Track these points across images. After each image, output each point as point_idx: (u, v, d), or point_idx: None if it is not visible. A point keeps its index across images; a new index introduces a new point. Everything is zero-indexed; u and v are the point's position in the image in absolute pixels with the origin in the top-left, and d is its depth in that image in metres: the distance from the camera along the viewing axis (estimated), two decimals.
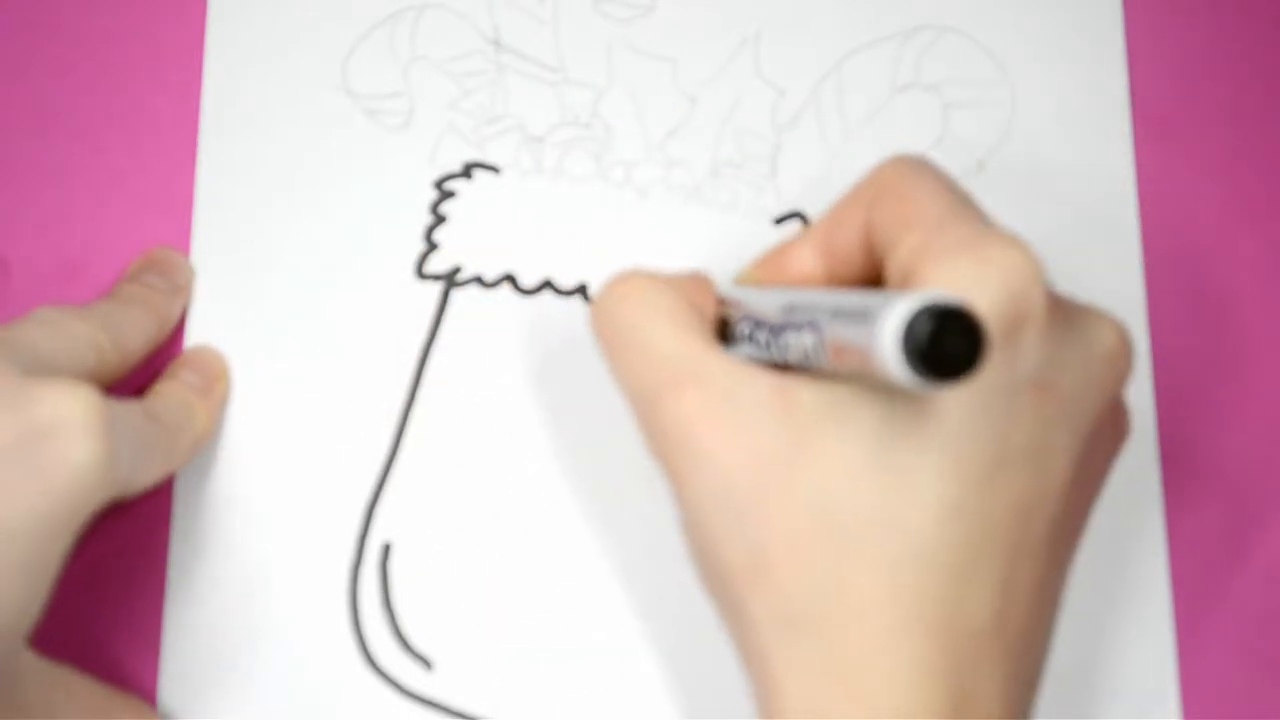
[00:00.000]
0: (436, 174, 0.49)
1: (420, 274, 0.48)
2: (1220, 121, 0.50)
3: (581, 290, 0.48)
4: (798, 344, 0.37)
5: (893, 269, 0.38)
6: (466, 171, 0.49)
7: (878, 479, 0.37)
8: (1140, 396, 0.48)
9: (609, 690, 0.46)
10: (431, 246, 0.48)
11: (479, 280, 0.48)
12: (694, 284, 0.42)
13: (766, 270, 0.42)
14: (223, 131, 0.49)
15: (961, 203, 0.39)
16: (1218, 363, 0.48)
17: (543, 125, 0.49)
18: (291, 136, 0.49)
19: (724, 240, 0.48)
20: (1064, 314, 0.38)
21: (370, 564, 0.46)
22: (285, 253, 0.48)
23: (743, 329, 0.40)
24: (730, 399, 0.38)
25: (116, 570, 0.46)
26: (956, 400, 0.36)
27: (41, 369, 0.39)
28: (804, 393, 0.37)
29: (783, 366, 0.39)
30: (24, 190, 0.48)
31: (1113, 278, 0.48)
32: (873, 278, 0.41)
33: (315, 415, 0.47)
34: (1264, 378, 0.48)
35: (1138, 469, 0.47)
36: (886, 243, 0.39)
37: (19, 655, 0.40)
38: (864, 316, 0.34)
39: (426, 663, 0.46)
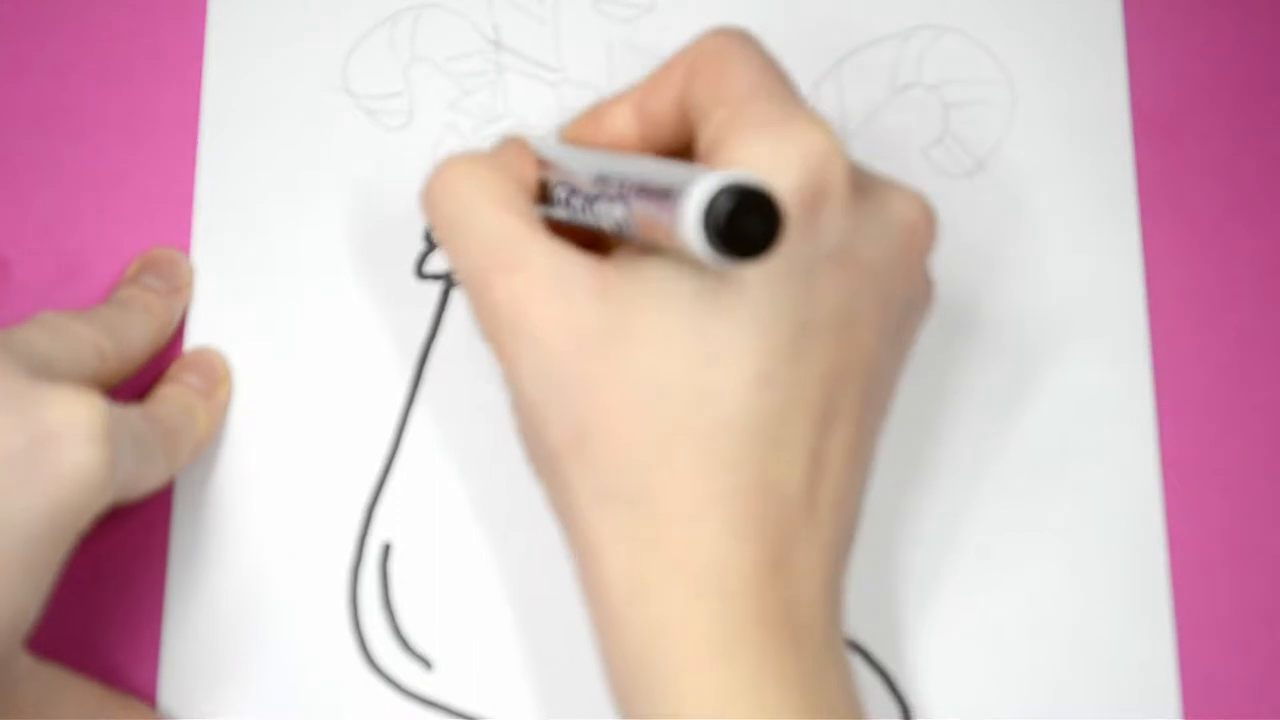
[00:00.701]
0: None
1: (420, 274, 0.48)
2: (1220, 121, 0.50)
3: None
4: (608, 215, 0.39)
5: (701, 142, 0.40)
6: None
7: (691, 352, 0.38)
8: (1140, 396, 0.48)
9: (608, 690, 0.45)
10: (431, 246, 0.48)
11: None
12: (513, 152, 0.43)
13: (585, 128, 0.43)
14: (223, 131, 0.49)
15: (774, 81, 0.40)
16: (1218, 363, 0.48)
17: (543, 126, 0.49)
18: (292, 136, 0.49)
19: None
20: (865, 189, 0.40)
21: (370, 564, 0.46)
22: (285, 253, 0.48)
23: (559, 193, 0.41)
24: (552, 281, 0.39)
25: (116, 570, 0.46)
26: (760, 275, 0.37)
27: (44, 373, 0.39)
28: (619, 272, 0.39)
29: (597, 232, 0.40)
30: (24, 190, 0.48)
31: (1112, 277, 0.48)
32: (686, 144, 0.41)
33: (315, 415, 0.47)
34: (1264, 378, 0.48)
35: (1138, 469, 0.47)
36: (698, 115, 0.40)
37: (16, 658, 0.40)
38: (667, 193, 0.36)
39: (426, 663, 0.46)
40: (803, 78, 0.49)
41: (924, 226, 0.41)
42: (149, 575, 0.46)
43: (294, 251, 0.48)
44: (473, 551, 0.46)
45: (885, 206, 0.40)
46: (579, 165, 0.41)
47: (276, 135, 0.49)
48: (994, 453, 0.47)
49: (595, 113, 0.43)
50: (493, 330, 0.40)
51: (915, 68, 0.50)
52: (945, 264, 0.44)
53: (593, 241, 0.41)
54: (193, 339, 0.47)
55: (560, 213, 0.41)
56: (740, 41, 0.41)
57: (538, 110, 0.49)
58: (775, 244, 0.35)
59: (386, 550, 0.46)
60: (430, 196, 0.42)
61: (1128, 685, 0.46)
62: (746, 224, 0.34)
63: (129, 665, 0.46)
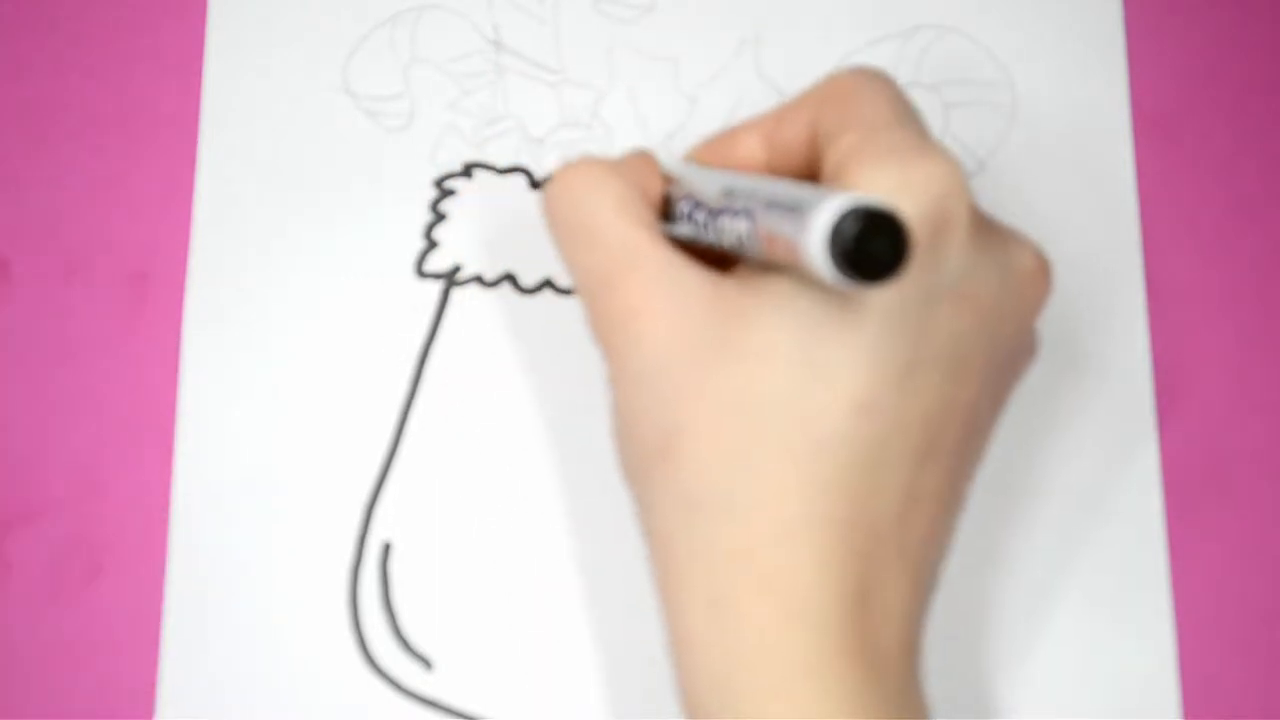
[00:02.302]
0: (437, 174, 0.49)
1: (420, 273, 0.48)
2: (1220, 121, 0.50)
3: None
4: (732, 229, 0.38)
5: (827, 166, 0.39)
6: (467, 171, 0.49)
7: (797, 371, 0.37)
8: (1141, 396, 0.48)
9: (609, 690, 0.46)
10: (432, 245, 0.48)
11: (479, 279, 0.48)
12: (639, 164, 0.43)
13: (712, 152, 0.43)
14: (223, 132, 0.49)
15: (904, 112, 0.40)
16: (1218, 363, 0.48)
17: (543, 126, 0.49)
18: (292, 137, 0.49)
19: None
20: (987, 232, 0.39)
21: (370, 564, 0.46)
22: (285, 252, 0.48)
23: (683, 208, 0.41)
24: (668, 289, 0.39)
25: (116, 570, 0.46)
26: (878, 303, 0.37)
27: None
28: (736, 287, 0.39)
29: (718, 250, 0.40)
30: (24, 190, 0.49)
31: (1113, 277, 0.48)
32: (813, 175, 0.41)
33: (315, 415, 0.47)
34: (1264, 378, 0.48)
35: (1138, 468, 0.47)
36: (825, 141, 0.40)
37: None
38: (795, 210, 0.35)
39: (426, 662, 0.46)
40: (803, 78, 0.50)
41: (1041, 279, 0.40)
42: (149, 574, 0.46)
43: (294, 251, 0.48)
44: (472, 551, 0.46)
45: (1005, 252, 0.40)
46: (706, 181, 0.41)
47: (276, 135, 0.49)
48: (993, 453, 0.47)
49: (723, 139, 0.43)
50: (604, 333, 0.40)
51: (915, 68, 0.50)
52: None
53: (713, 263, 0.41)
54: (192, 338, 0.47)
55: (683, 229, 0.41)
56: (874, 76, 0.41)
57: (538, 111, 0.49)
58: (900, 269, 0.34)
59: (386, 550, 0.46)
60: (553, 198, 0.42)
61: (1128, 686, 0.46)
62: (873, 247, 0.34)
63: (129, 665, 0.46)
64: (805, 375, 0.37)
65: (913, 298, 0.37)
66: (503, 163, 0.49)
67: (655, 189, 0.42)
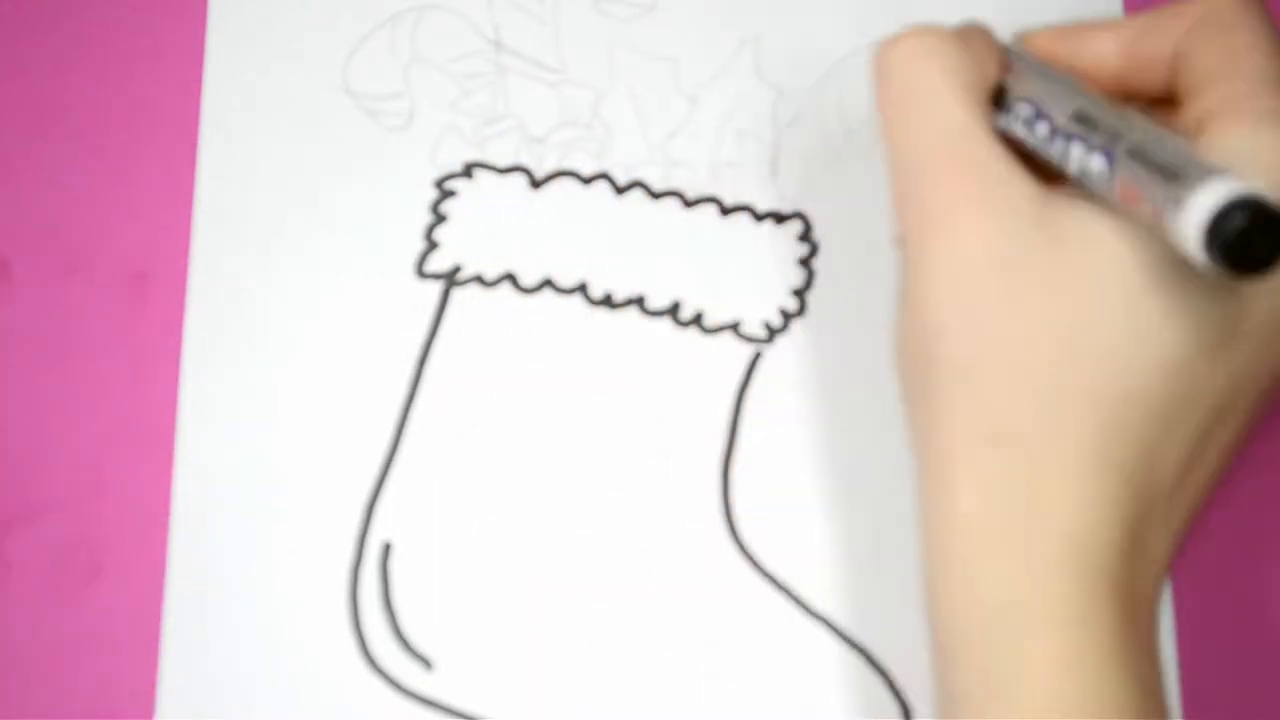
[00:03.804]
0: (437, 174, 0.49)
1: (420, 273, 0.48)
2: None
3: (581, 290, 0.48)
4: (1081, 160, 0.37)
5: (1193, 107, 0.38)
6: (467, 171, 0.49)
7: (1118, 321, 0.37)
8: None
9: (609, 690, 0.46)
10: (432, 245, 0.48)
11: (479, 279, 0.48)
12: (978, 40, 0.41)
13: (1058, 42, 0.41)
14: (223, 132, 0.49)
15: None
16: None
17: (543, 126, 0.49)
18: (292, 137, 0.49)
19: (724, 241, 0.48)
20: None
21: (370, 564, 0.46)
22: (285, 252, 0.48)
23: (1022, 110, 0.39)
24: (996, 192, 0.38)
25: (116, 570, 0.46)
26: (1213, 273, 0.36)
27: None
28: (1067, 210, 0.37)
29: (1044, 161, 0.38)
30: (24, 190, 0.49)
31: None
32: (1164, 94, 0.40)
33: (315, 415, 0.47)
34: None
35: None
36: (1194, 81, 0.39)
37: None
38: (1170, 177, 0.34)
39: (426, 662, 0.46)
40: (804, 78, 0.50)
41: None
42: (149, 574, 0.46)
43: (294, 251, 0.48)
44: (472, 551, 0.46)
45: None
46: (1055, 91, 0.39)
47: (276, 135, 0.49)
48: None
49: (1074, 32, 0.41)
50: (915, 220, 0.38)
51: None
52: None
53: (1031, 165, 0.39)
54: (193, 338, 0.47)
55: (1018, 129, 0.39)
56: (1255, 12, 0.39)
57: (538, 111, 0.49)
58: (1276, 267, 0.33)
59: (386, 550, 0.46)
60: (886, 61, 0.40)
61: None
62: (1255, 246, 0.33)
63: (129, 665, 0.46)
64: (1125, 327, 0.37)
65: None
66: (503, 163, 0.49)
67: (991, 72, 0.40)
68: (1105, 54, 0.41)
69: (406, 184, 0.48)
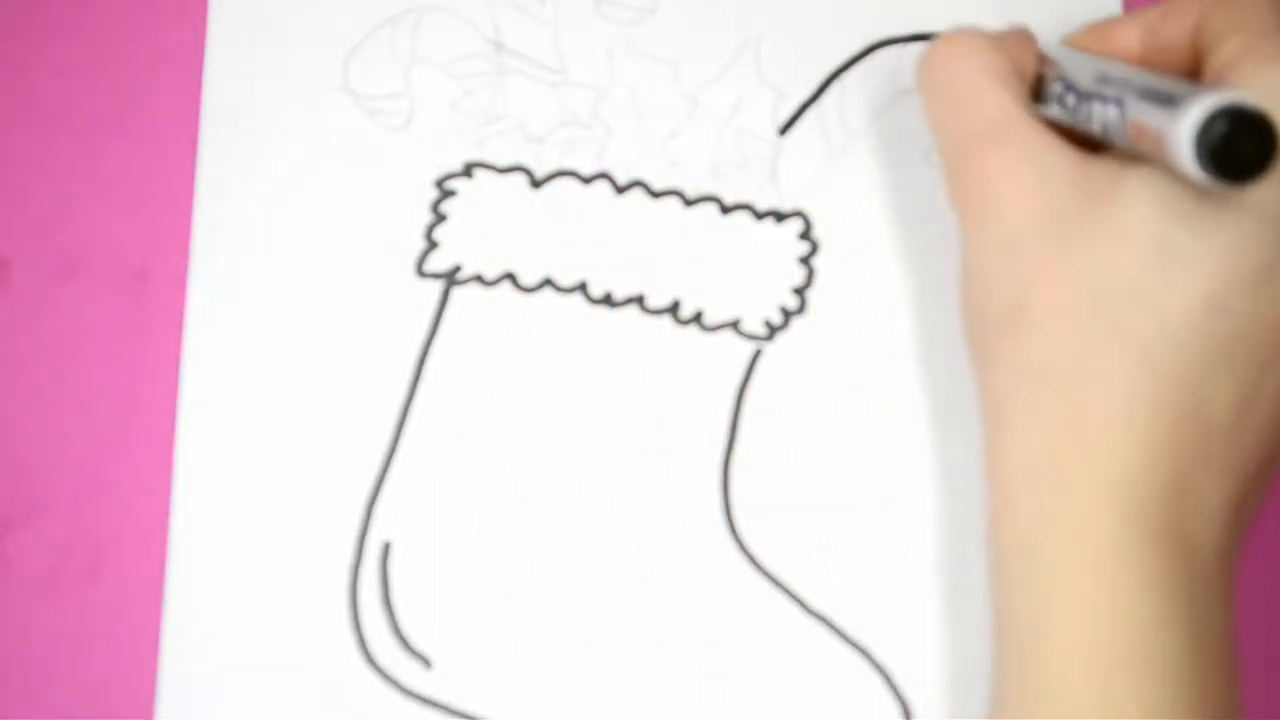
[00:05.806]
0: (437, 174, 0.49)
1: (420, 272, 0.48)
2: None
3: (581, 289, 0.48)
4: (1101, 115, 0.39)
5: (1210, 68, 0.40)
6: (467, 171, 0.49)
7: (1155, 261, 0.38)
8: None
9: (609, 689, 0.45)
10: (432, 245, 0.48)
11: (479, 279, 0.48)
12: (1018, 41, 0.44)
13: (1089, 40, 0.44)
14: (223, 131, 0.49)
15: None
16: None
17: (543, 126, 0.49)
18: (292, 136, 0.49)
19: (724, 241, 0.48)
20: None
21: (370, 563, 0.46)
22: (285, 252, 0.48)
23: (1055, 89, 0.42)
24: (1033, 163, 0.40)
25: (116, 570, 0.46)
26: (1244, 204, 0.38)
27: None
28: (1100, 169, 0.40)
29: (1084, 134, 0.41)
30: (24, 190, 0.49)
31: None
32: (1191, 75, 0.42)
33: (315, 414, 0.47)
34: None
35: None
36: (1210, 40, 0.41)
37: None
38: (1167, 103, 0.36)
39: (426, 661, 0.46)
40: (804, 80, 0.50)
41: None
42: (149, 574, 0.46)
43: (294, 251, 0.48)
44: (472, 550, 0.46)
45: None
46: (1080, 65, 0.42)
47: (276, 135, 0.49)
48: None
49: (1101, 27, 0.44)
50: (964, 199, 0.42)
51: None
52: (948, 263, 0.44)
53: (1080, 148, 0.41)
54: (193, 338, 0.47)
55: (1053, 110, 0.42)
56: None
57: (538, 111, 0.49)
58: (1266, 172, 0.35)
59: (386, 549, 0.46)
60: (929, 62, 0.44)
61: None
62: (1241, 148, 0.35)
63: (129, 665, 0.46)
64: (1162, 267, 0.38)
65: (1275, 201, 0.38)
66: (503, 163, 0.49)
67: (1030, 67, 0.44)
68: (1130, 42, 0.43)
69: (406, 184, 0.48)
